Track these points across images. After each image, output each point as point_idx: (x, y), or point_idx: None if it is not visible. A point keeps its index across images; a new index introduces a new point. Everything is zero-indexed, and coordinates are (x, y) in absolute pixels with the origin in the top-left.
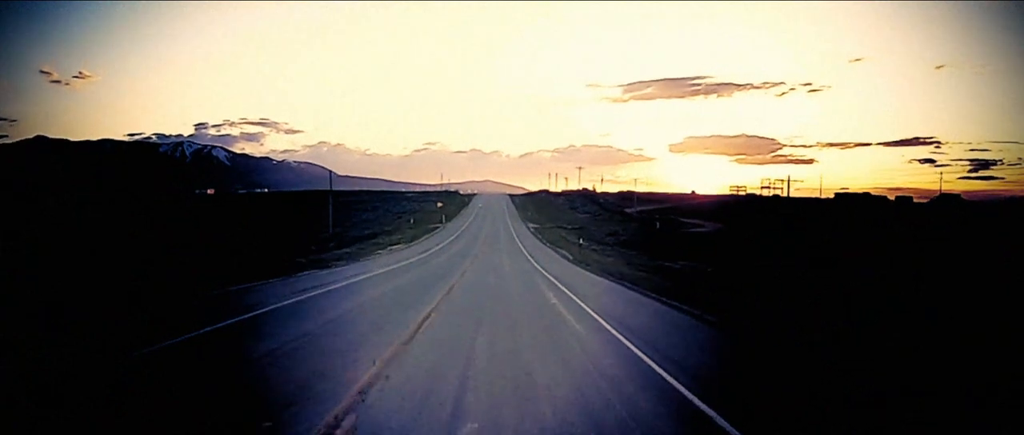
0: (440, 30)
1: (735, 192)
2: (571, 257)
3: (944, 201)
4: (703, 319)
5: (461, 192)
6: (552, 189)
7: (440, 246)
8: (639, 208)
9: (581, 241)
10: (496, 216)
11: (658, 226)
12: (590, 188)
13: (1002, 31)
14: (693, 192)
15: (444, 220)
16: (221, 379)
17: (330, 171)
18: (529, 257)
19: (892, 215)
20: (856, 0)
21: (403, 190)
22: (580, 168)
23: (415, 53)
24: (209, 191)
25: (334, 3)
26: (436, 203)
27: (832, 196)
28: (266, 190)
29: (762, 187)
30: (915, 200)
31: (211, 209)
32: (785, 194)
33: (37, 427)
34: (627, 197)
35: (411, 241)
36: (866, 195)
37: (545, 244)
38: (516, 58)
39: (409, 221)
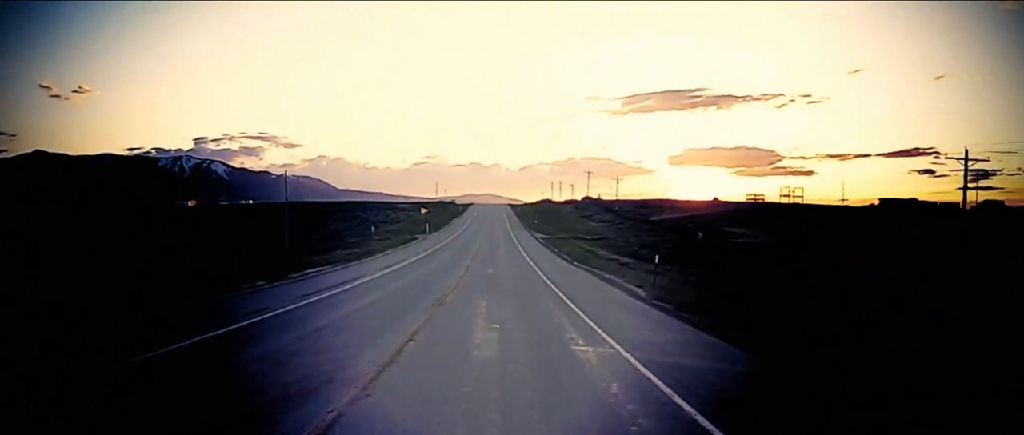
0: (440, 45)
1: (753, 199)
2: (644, 292)
3: (988, 207)
4: None
5: (456, 202)
6: (554, 199)
7: (399, 267)
8: (665, 216)
9: (655, 259)
10: (495, 224)
11: (701, 236)
12: (595, 197)
13: (1001, 41)
14: (715, 198)
15: (428, 229)
16: None
17: (285, 175)
18: (564, 297)
19: (949, 222)
20: (855, 11)
21: (399, 202)
22: (589, 173)
23: (415, 67)
24: (190, 202)
25: (334, 19)
26: (420, 209)
27: (876, 202)
28: (251, 201)
29: (782, 195)
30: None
31: (181, 220)
32: (804, 201)
33: None
34: (645, 205)
35: (367, 257)
36: (913, 201)
37: (573, 263)
38: (516, 72)
39: (371, 229)
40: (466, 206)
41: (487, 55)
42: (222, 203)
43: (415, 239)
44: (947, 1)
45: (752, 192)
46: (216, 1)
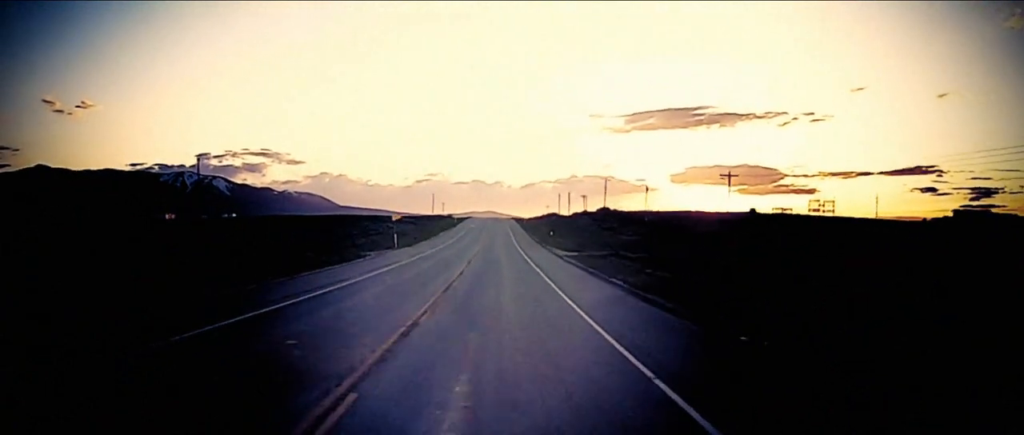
0: (443, 64)
1: (781, 212)
2: None
3: None
4: None
5: (454, 216)
6: (561, 212)
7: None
8: (711, 229)
9: None
10: (495, 236)
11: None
12: (610, 209)
13: (1005, 59)
14: (752, 210)
15: (396, 242)
16: None
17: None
18: None
19: None
20: (858, 30)
21: (392, 217)
22: (607, 180)
23: (418, 86)
24: (168, 216)
25: (337, 37)
26: (391, 217)
27: (949, 213)
28: (234, 215)
29: (811, 209)
30: None
31: (149, 235)
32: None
33: None
34: (677, 217)
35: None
36: (986, 212)
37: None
38: (519, 91)
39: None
40: (462, 219)
41: (490, 74)
42: (203, 218)
43: (363, 258)
44: (951, 15)
45: (778, 206)
46: (220, 12)
